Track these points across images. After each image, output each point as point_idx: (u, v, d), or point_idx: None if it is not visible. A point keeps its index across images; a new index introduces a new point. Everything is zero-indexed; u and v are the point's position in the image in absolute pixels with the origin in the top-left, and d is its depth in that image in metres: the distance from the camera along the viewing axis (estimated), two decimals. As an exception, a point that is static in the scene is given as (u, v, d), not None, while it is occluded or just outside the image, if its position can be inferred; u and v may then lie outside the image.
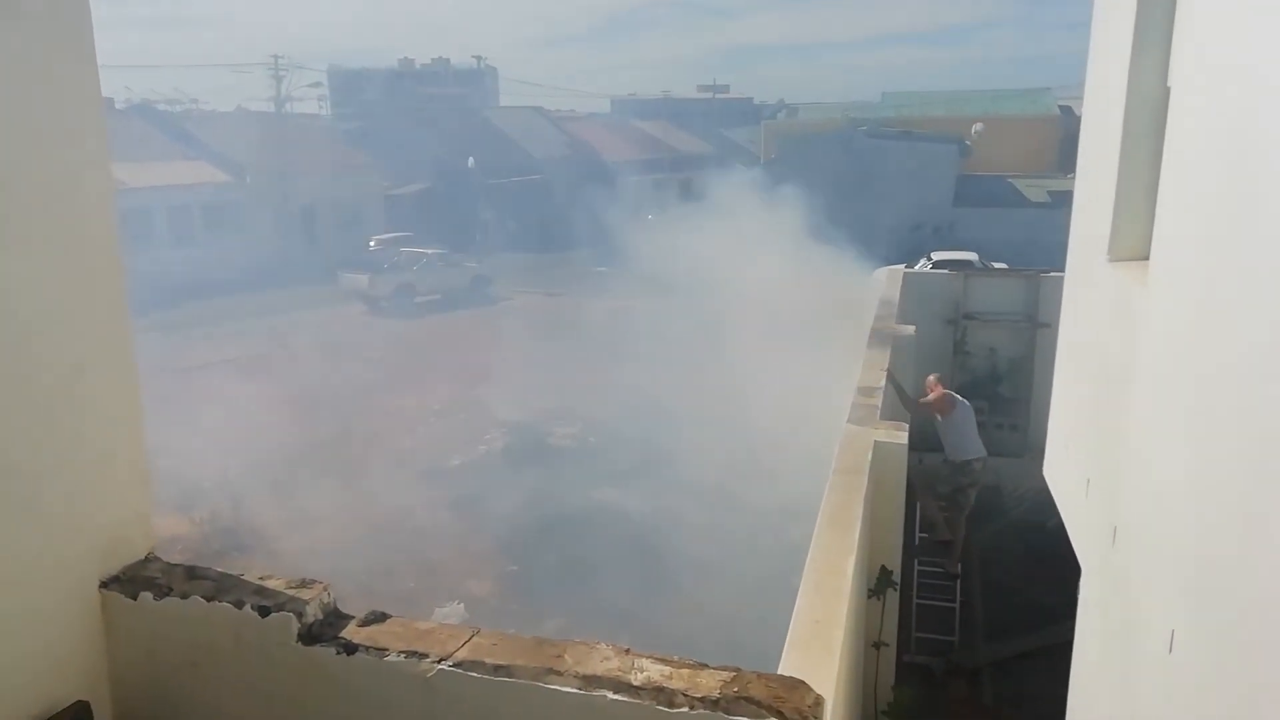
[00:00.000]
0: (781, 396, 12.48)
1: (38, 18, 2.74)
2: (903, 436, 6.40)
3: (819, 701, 2.53)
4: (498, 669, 2.67)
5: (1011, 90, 51.63)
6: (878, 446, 6.14)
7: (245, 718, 3.01)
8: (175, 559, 3.30)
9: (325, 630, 2.93)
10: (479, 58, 73.98)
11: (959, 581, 8.75)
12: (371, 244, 35.51)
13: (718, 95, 72.80)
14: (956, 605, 8.53)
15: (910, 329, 10.10)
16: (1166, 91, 3.48)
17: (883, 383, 7.80)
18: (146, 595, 3.04)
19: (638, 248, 20.65)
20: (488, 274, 30.51)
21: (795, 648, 3.58)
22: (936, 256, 25.06)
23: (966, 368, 12.34)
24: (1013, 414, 12.10)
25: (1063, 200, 22.49)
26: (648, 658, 2.68)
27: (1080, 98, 5.12)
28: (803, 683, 2.59)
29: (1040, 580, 8.49)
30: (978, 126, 43.09)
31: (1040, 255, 17.61)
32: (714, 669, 2.62)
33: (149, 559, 3.25)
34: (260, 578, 3.12)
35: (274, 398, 18.31)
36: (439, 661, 2.73)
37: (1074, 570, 4.39)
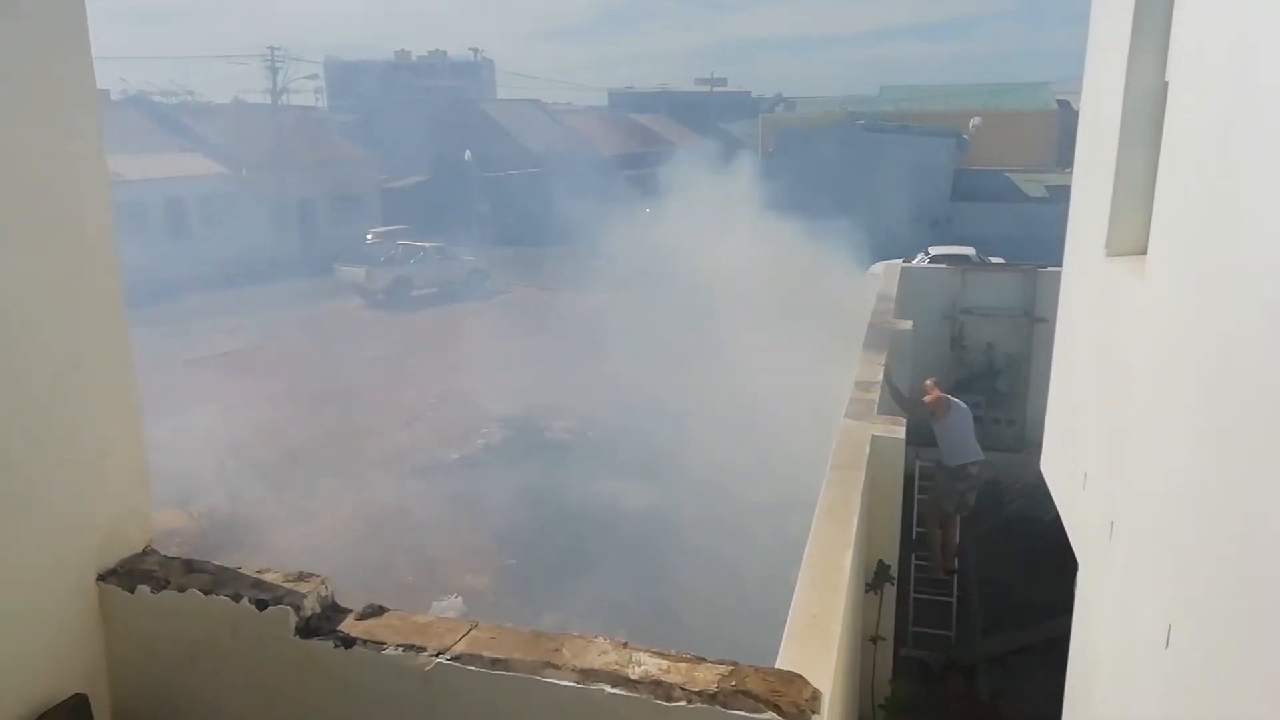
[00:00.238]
0: (777, 390, 12.49)
1: (33, 10, 2.73)
2: (900, 431, 6.41)
3: (816, 695, 2.53)
4: (495, 662, 2.67)
5: (1009, 84, 51.64)
6: (875, 441, 6.14)
7: (243, 710, 3.01)
8: (173, 553, 3.30)
9: (323, 623, 2.93)
10: (476, 50, 73.77)
11: (956, 576, 8.77)
12: (368, 237, 35.42)
13: (715, 89, 72.62)
14: (954, 600, 8.55)
15: (908, 324, 10.11)
16: (1164, 86, 3.48)
17: (880, 378, 7.81)
18: (144, 588, 3.04)
19: (633, 241, 20.65)
20: (484, 267, 30.46)
21: (793, 642, 3.58)
22: (934, 251, 25.05)
23: (964, 363, 12.35)
24: (1010, 409, 12.11)
25: (1060, 195, 22.48)
26: (645, 651, 2.69)
27: (1078, 92, 5.12)
28: (800, 676, 2.60)
29: (1037, 575, 8.52)
30: (975, 121, 43.07)
31: (1038, 250, 17.61)
32: (711, 663, 2.63)
33: (146, 552, 3.25)
34: (258, 571, 3.12)
35: (270, 392, 18.30)
36: (437, 655, 2.73)
37: (1071, 565, 4.41)
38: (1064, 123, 43.26)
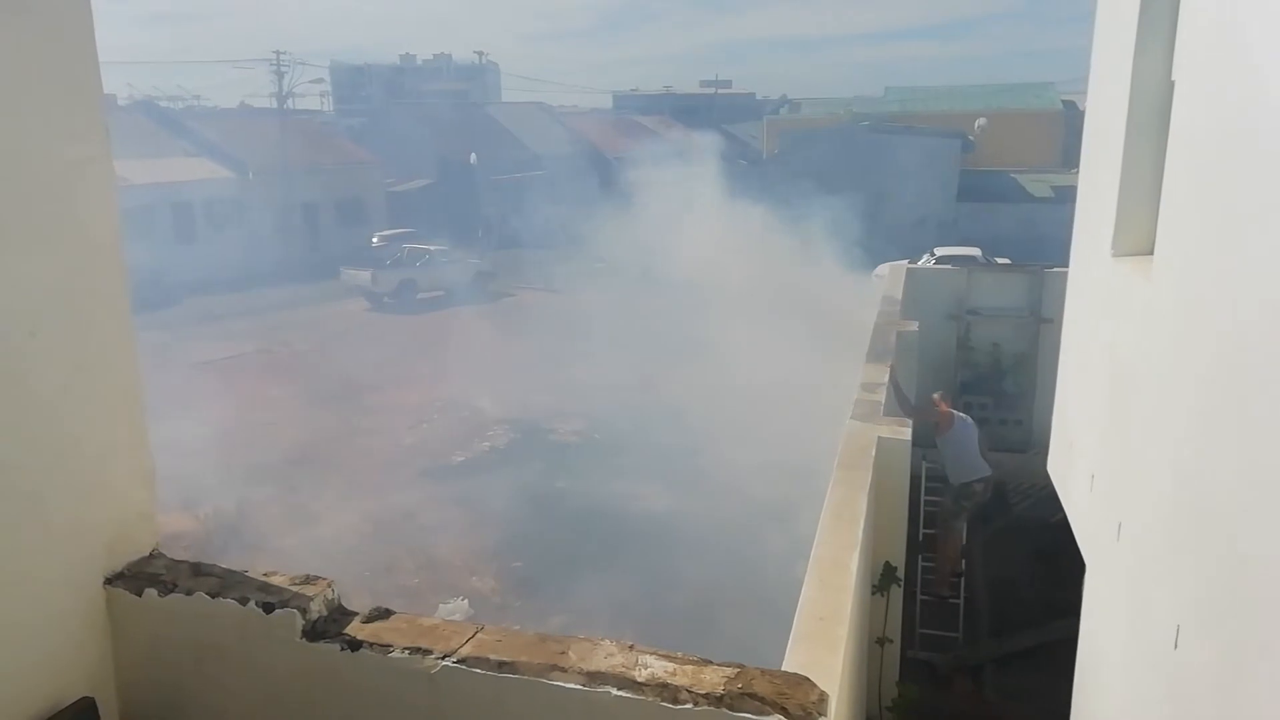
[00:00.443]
0: (782, 391, 12.48)
1: (39, 15, 2.74)
2: (906, 433, 6.40)
3: (823, 698, 2.52)
4: (502, 665, 2.67)
5: (1015, 85, 51.54)
6: (881, 443, 6.13)
7: (249, 713, 3.01)
8: (179, 556, 3.31)
9: (329, 627, 2.93)
10: (481, 53, 74.04)
11: (963, 578, 8.74)
12: (374, 240, 35.51)
13: (720, 90, 72.65)
14: (960, 601, 8.52)
15: (913, 325, 10.08)
16: (1171, 86, 3.46)
17: (886, 379, 7.79)
18: (151, 592, 3.04)
19: (637, 243, 20.65)
20: (490, 270, 30.51)
21: (799, 644, 3.57)
22: (940, 252, 25.00)
23: (970, 363, 12.32)
24: (1016, 410, 12.08)
25: (1066, 195, 22.44)
26: (651, 654, 2.68)
27: (1084, 92, 5.11)
28: (807, 679, 2.59)
29: (1044, 576, 8.49)
30: (981, 121, 43.02)
31: (1044, 250, 17.58)
32: (718, 665, 2.62)
33: (153, 555, 3.26)
34: (264, 574, 3.13)
35: (276, 395, 18.35)
36: (443, 658, 2.73)
37: (1078, 566, 4.39)
38: (1069, 123, 43.21)
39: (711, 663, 2.64)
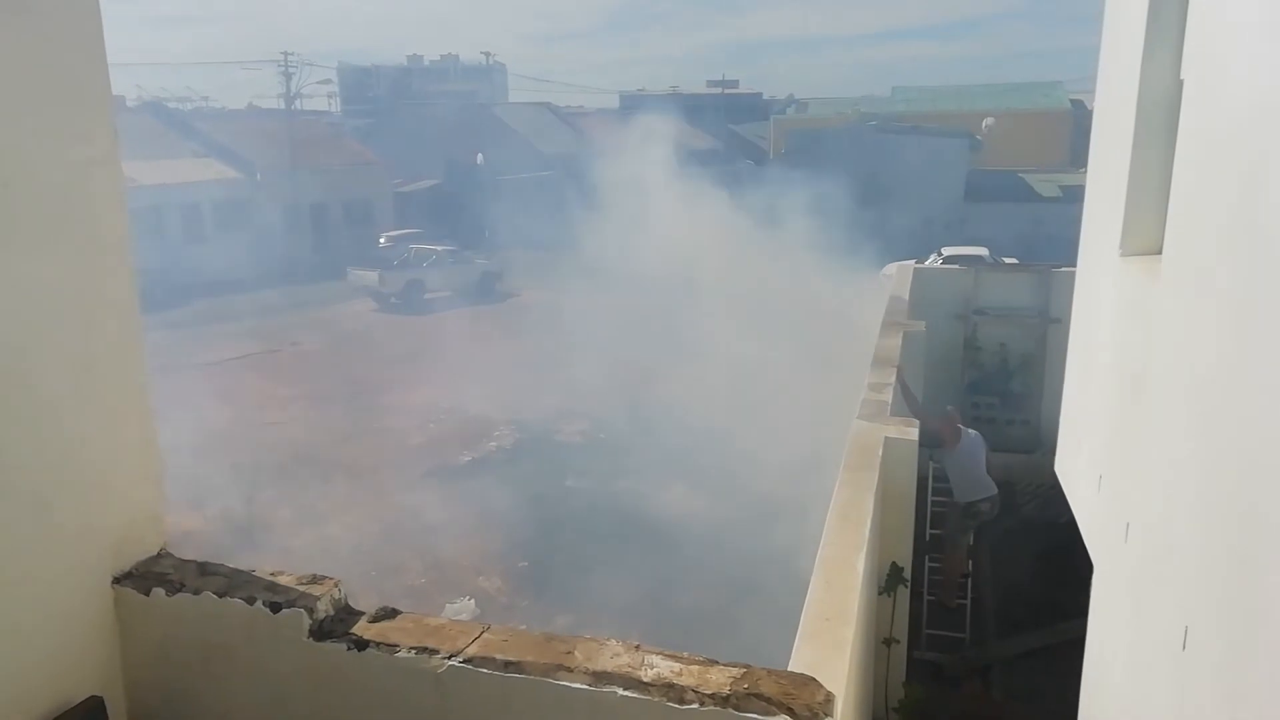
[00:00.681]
0: (787, 391, 12.47)
1: (48, 16, 2.75)
2: (913, 433, 6.38)
3: (829, 698, 2.52)
4: (508, 665, 2.68)
5: (1022, 84, 51.41)
6: (888, 443, 6.12)
7: (257, 713, 3.02)
8: (187, 555, 3.32)
9: (336, 626, 2.94)
10: (488, 54, 74.05)
11: (969, 579, 8.71)
12: (381, 241, 35.56)
13: (727, 90, 72.54)
14: (968, 602, 8.50)
15: (921, 324, 10.06)
16: (1180, 84, 3.45)
17: (892, 379, 7.77)
18: (159, 591, 3.06)
19: (643, 243, 20.65)
20: (497, 270, 30.53)
21: (806, 644, 3.57)
22: (947, 252, 24.96)
23: (977, 364, 12.29)
24: (1024, 410, 12.05)
25: (1074, 195, 22.37)
26: (658, 654, 2.68)
27: (1092, 91, 5.09)
28: (813, 679, 2.59)
29: (1052, 577, 8.46)
30: (988, 121, 42.93)
31: (1051, 250, 17.53)
32: (724, 665, 2.62)
33: (161, 555, 3.27)
34: (271, 574, 3.14)
35: (284, 395, 18.40)
36: (449, 658, 2.73)
37: (1086, 567, 4.37)
38: (1077, 122, 43.12)
39: (717, 663, 2.64)
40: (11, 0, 2.64)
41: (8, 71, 2.64)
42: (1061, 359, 5.65)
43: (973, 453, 8.40)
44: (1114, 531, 3.70)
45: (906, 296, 11.14)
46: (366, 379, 19.31)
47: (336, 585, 3.07)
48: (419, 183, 43.66)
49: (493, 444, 15.65)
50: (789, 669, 2.82)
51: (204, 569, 3.18)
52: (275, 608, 2.93)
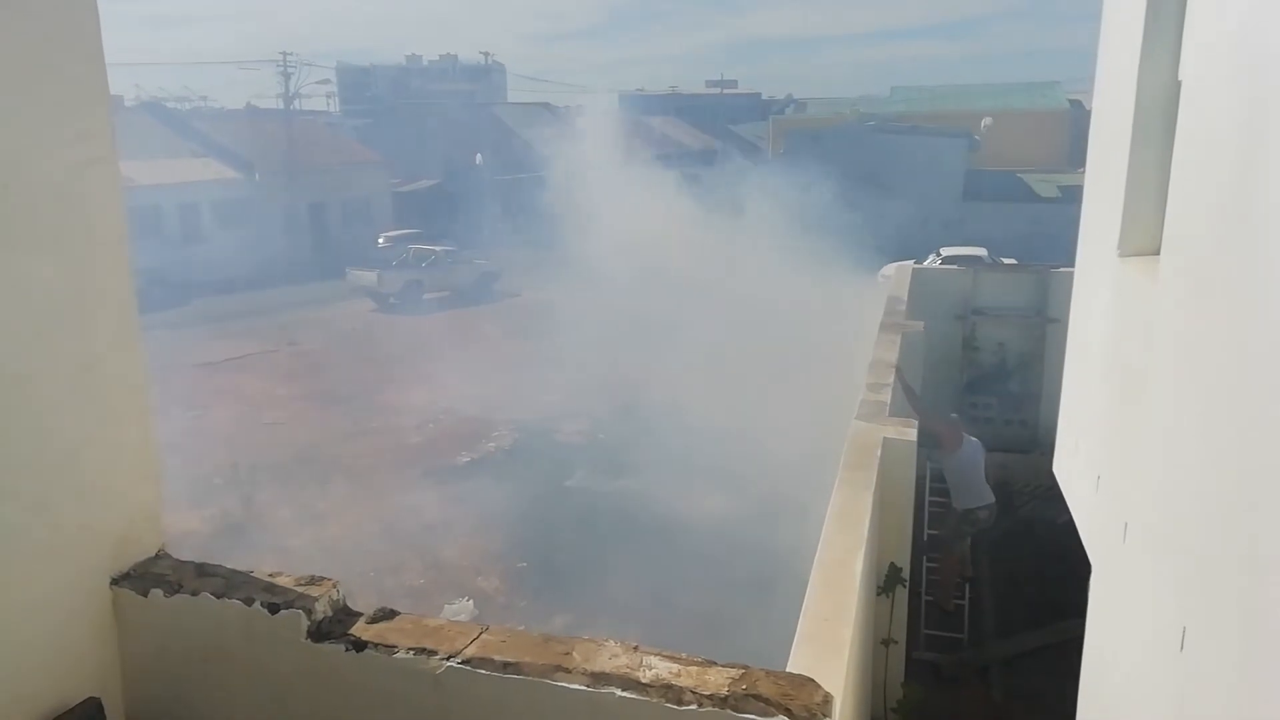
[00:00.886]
0: (790, 390, 12.47)
1: (46, 16, 2.75)
2: (912, 433, 6.38)
3: (828, 699, 2.52)
4: (506, 666, 2.68)
5: (1021, 84, 51.41)
6: (886, 443, 6.12)
7: (255, 714, 3.02)
8: (185, 556, 3.32)
9: (334, 627, 2.94)
10: (486, 54, 74.01)
11: (967, 582, 8.71)
12: (380, 241, 35.55)
13: (725, 90, 72.63)
14: (966, 602, 8.51)
15: (919, 325, 10.07)
16: (1178, 85, 3.45)
17: (891, 379, 7.77)
18: (157, 592, 3.05)
19: (643, 243, 20.65)
20: (496, 270, 30.53)
21: (804, 645, 3.57)
22: (945, 252, 24.97)
23: (976, 363, 12.30)
24: (1022, 410, 12.06)
25: (1073, 195, 22.38)
26: (656, 655, 2.69)
27: (1090, 91, 5.09)
28: (811, 680, 2.59)
29: (1050, 577, 8.46)
30: (987, 121, 42.91)
31: (1050, 250, 17.54)
32: (722, 666, 2.62)
33: (159, 556, 3.27)
34: (270, 575, 3.14)
35: (283, 395, 18.40)
36: (448, 658, 2.73)
37: (1084, 567, 4.37)
38: (1076, 122, 43.10)
39: (716, 664, 2.64)
40: (9, 0, 2.64)
41: (5, 71, 2.64)
42: (1060, 359, 5.66)
43: (973, 460, 8.35)
44: (1112, 531, 3.70)
45: (905, 297, 11.15)
46: (365, 379, 19.31)
47: (335, 586, 3.07)
48: (418, 183, 43.65)
49: (491, 444, 15.65)
50: (787, 670, 2.82)
51: (202, 570, 3.18)
52: (273, 609, 2.93)
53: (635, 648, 2.73)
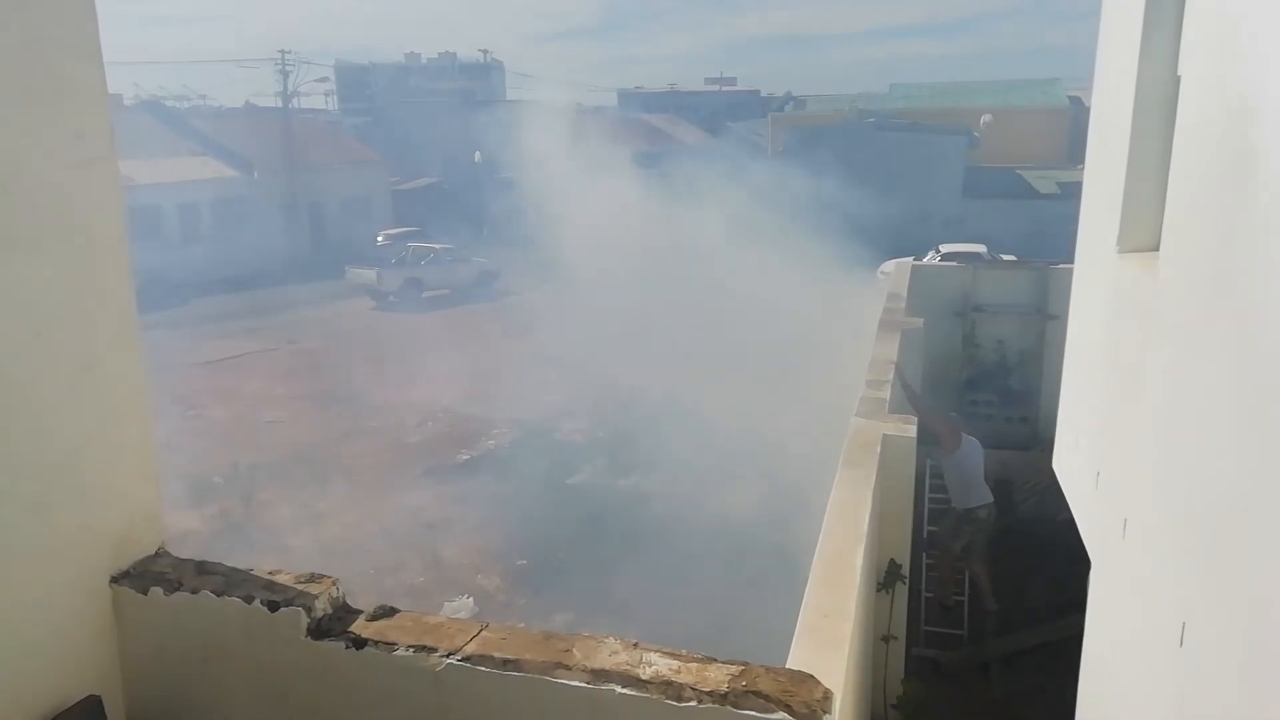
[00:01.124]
0: (789, 388, 12.47)
1: (44, 14, 2.75)
2: (911, 430, 6.39)
3: (828, 695, 2.52)
4: (506, 663, 2.68)
5: (1020, 81, 51.35)
6: (886, 440, 6.12)
7: (255, 712, 3.02)
8: (185, 554, 3.32)
9: (334, 625, 2.94)
10: (485, 52, 73.84)
11: (968, 575, 8.72)
12: (379, 239, 35.55)
13: (724, 88, 72.61)
14: (965, 599, 8.51)
15: (919, 322, 10.07)
16: (1177, 80, 3.45)
17: (890, 375, 7.77)
18: (157, 590, 3.05)
19: (643, 242, 20.65)
20: (495, 268, 30.52)
21: (804, 641, 3.57)
22: (945, 249, 24.98)
23: (975, 360, 12.30)
24: (1022, 406, 12.06)
25: (1072, 191, 22.36)
26: (656, 651, 2.69)
27: (1089, 88, 5.09)
28: (811, 676, 2.59)
29: (1050, 574, 8.47)
30: (986, 118, 42.87)
31: (1049, 247, 17.55)
32: (722, 663, 2.62)
33: (159, 554, 3.27)
34: (269, 573, 3.14)
35: (282, 393, 18.40)
36: (448, 656, 2.74)
37: (1084, 563, 4.38)
38: (1075, 119, 43.10)
39: (716, 660, 2.64)
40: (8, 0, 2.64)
41: (4, 70, 2.63)
42: (1059, 355, 5.66)
43: (972, 460, 8.33)
44: (1112, 528, 3.71)
45: (905, 293, 11.15)
46: (364, 378, 19.30)
47: (334, 584, 3.07)
48: (417, 181, 43.63)
49: (491, 442, 15.65)
50: (787, 666, 2.82)
51: (202, 568, 3.18)
52: (273, 606, 2.93)
53: (635, 645, 2.73)
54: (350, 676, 2.85)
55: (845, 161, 34.08)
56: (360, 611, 3.02)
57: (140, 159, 30.15)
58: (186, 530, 11.37)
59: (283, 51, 39.75)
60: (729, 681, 2.52)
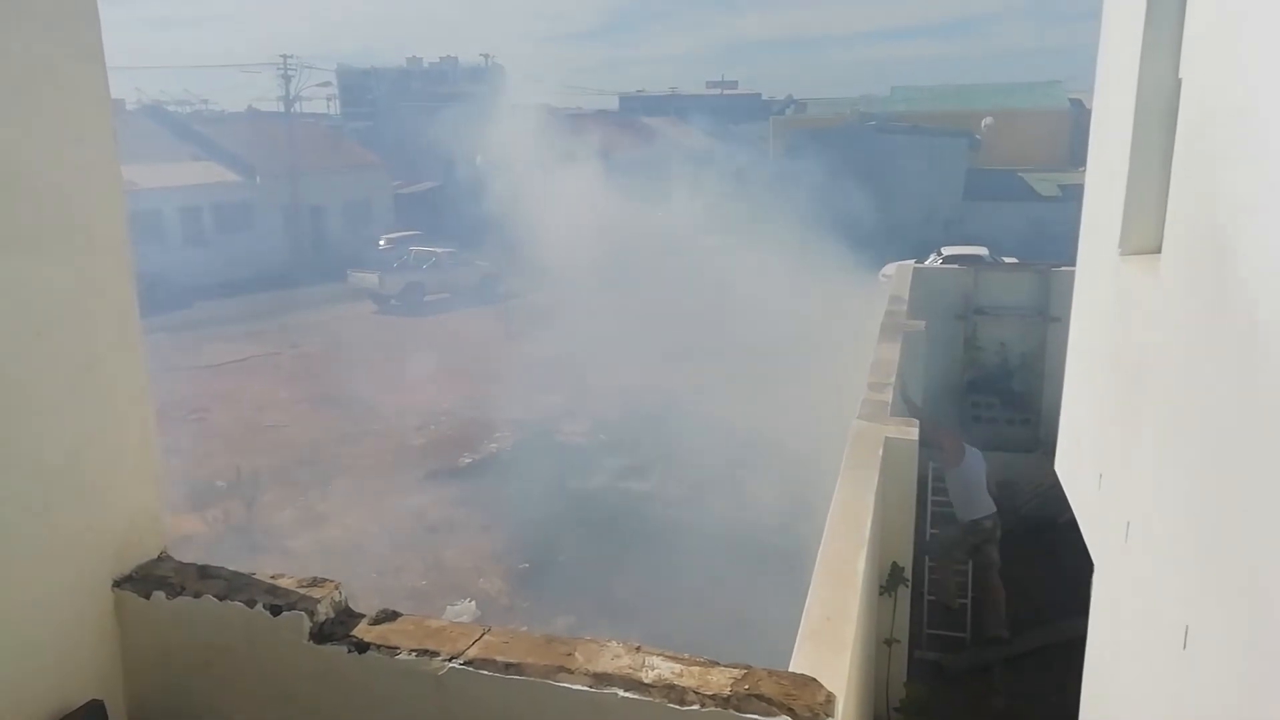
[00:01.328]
0: (788, 392, 12.47)
1: (47, 19, 2.75)
2: (913, 433, 6.38)
3: (830, 699, 2.52)
4: (509, 667, 2.68)
5: (1021, 83, 51.35)
6: (888, 442, 6.11)
7: (257, 716, 3.02)
8: (188, 558, 3.32)
9: (337, 629, 2.94)
10: (487, 56, 73.91)
11: (970, 578, 8.70)
12: (381, 243, 35.58)
13: (726, 91, 72.63)
14: (969, 602, 8.50)
15: (920, 324, 10.06)
16: (1178, 83, 3.45)
17: (893, 378, 7.76)
18: (159, 594, 3.05)
19: (643, 244, 20.67)
20: (497, 272, 30.53)
21: (806, 645, 3.57)
22: (947, 251, 24.97)
23: (977, 363, 12.28)
24: (1024, 409, 12.04)
25: (1073, 193, 22.38)
26: (658, 655, 2.68)
27: (1091, 90, 5.09)
28: (814, 680, 2.59)
29: (1052, 576, 8.45)
30: (987, 120, 42.90)
31: (1051, 249, 17.55)
32: (725, 666, 2.62)
33: (161, 558, 3.27)
34: (272, 577, 3.14)
35: (285, 397, 18.41)
36: (450, 660, 2.73)
37: (1086, 566, 4.37)
38: (1076, 121, 43.11)
39: (718, 664, 2.64)
40: (10, 3, 2.64)
41: (6, 74, 2.64)
42: (1061, 358, 5.65)
43: (975, 471, 8.33)
44: (1114, 530, 3.70)
45: (906, 296, 11.13)
46: (367, 381, 19.31)
47: (337, 588, 3.07)
48: (418, 184, 43.67)
49: (493, 445, 15.66)
50: (790, 669, 2.81)
51: (204, 572, 3.18)
52: (276, 610, 2.93)
53: (638, 648, 2.73)
54: (352, 681, 2.85)
55: (847, 164, 34.07)
56: (363, 615, 3.01)
57: (143, 163, 30.19)
58: (189, 533, 11.38)
59: (284, 56, 39.86)
60: (731, 685, 2.52)
